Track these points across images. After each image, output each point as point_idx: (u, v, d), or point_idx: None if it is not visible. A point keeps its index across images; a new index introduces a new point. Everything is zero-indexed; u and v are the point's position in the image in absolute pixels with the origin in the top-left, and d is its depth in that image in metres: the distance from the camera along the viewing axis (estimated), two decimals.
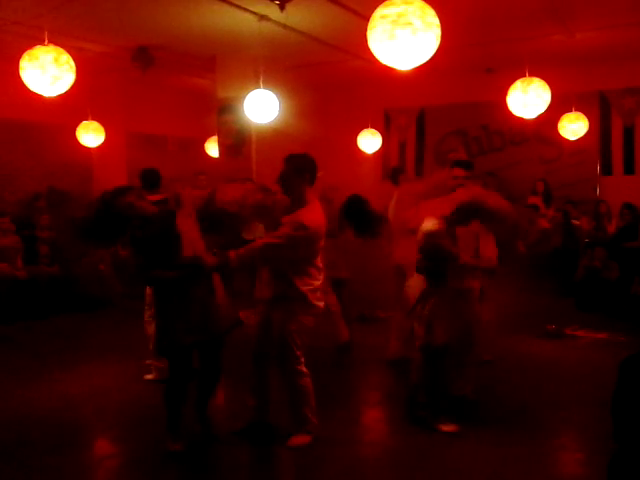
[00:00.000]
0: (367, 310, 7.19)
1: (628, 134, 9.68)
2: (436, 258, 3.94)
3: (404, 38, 3.45)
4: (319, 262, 3.93)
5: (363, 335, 6.39)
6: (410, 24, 3.41)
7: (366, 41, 3.70)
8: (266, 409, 4.13)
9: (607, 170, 9.85)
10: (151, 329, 4.92)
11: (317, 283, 3.91)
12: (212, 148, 10.25)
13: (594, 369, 5.30)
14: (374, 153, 10.52)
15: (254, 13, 6.76)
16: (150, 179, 5.14)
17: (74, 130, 8.81)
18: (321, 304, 3.95)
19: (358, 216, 4.54)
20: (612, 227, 8.86)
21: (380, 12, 3.56)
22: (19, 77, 5.27)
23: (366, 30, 3.69)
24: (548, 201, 9.40)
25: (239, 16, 6.83)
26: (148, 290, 4.97)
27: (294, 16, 6.62)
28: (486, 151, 10.68)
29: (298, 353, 3.87)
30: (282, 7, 6.01)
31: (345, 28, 7.05)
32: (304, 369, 3.93)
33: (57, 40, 5.43)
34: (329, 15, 6.84)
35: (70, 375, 5.39)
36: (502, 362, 5.43)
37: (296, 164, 3.90)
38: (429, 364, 4.10)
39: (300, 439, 3.91)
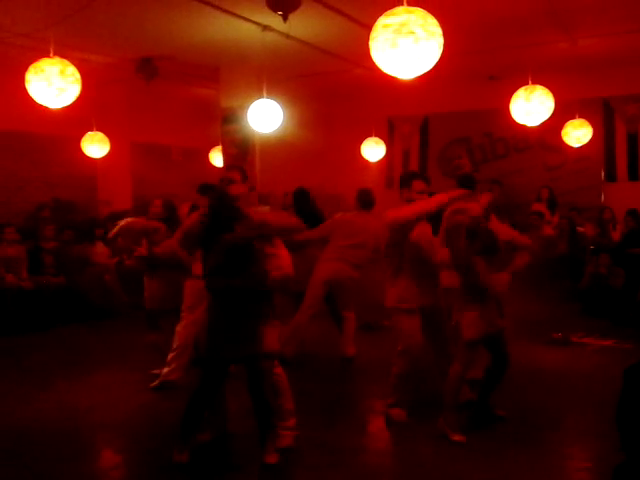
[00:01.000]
0: (372, 319, 7.17)
1: (632, 140, 9.68)
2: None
3: (406, 47, 3.47)
4: None
5: (368, 344, 6.38)
6: (412, 33, 3.43)
7: (369, 50, 3.72)
8: (224, 420, 4.19)
9: (611, 176, 9.84)
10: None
11: None
12: (216, 158, 10.29)
13: (600, 376, 5.26)
14: (378, 161, 10.55)
15: (257, 23, 6.80)
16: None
17: (79, 141, 8.86)
18: None
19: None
20: (617, 234, 8.83)
21: (382, 21, 3.57)
22: (25, 89, 5.31)
23: (368, 39, 3.71)
24: (553, 208, 9.38)
25: (242, 26, 6.87)
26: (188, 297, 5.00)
27: (297, 26, 6.65)
28: (490, 159, 10.68)
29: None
30: (285, 17, 6.03)
31: (348, 37, 7.08)
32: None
33: (62, 52, 5.47)
34: (332, 25, 6.88)
35: (75, 385, 5.39)
36: (507, 370, 5.40)
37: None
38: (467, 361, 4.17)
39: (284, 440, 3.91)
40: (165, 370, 5.14)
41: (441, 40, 3.57)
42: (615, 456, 2.48)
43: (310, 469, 3.77)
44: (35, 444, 4.14)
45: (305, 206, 6.64)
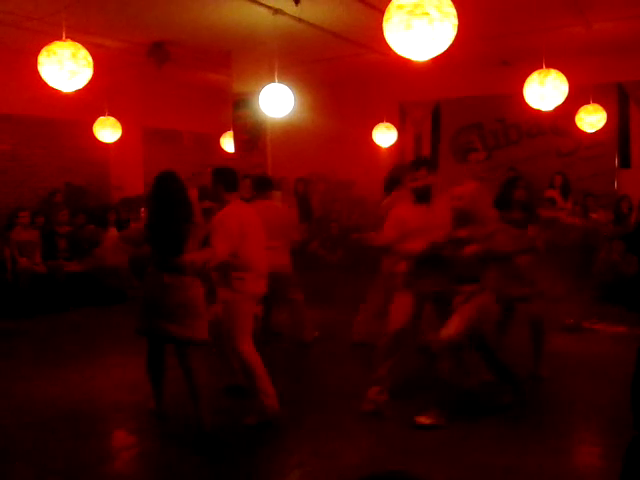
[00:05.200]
0: None
1: None
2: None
3: (421, 28, 3.43)
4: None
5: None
6: (427, 14, 3.39)
7: (382, 34, 3.68)
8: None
9: (625, 163, 9.75)
10: None
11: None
12: (228, 143, 10.29)
13: (612, 362, 5.24)
14: (389, 147, 10.50)
15: (269, 7, 6.75)
16: None
17: (91, 126, 8.88)
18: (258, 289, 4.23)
19: None
20: (631, 221, 8.75)
21: (397, 2, 3.54)
22: (37, 74, 5.32)
23: (381, 23, 3.67)
24: (566, 194, 9.30)
25: (254, 10, 6.83)
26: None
27: (309, 10, 6.62)
28: (502, 145, 10.61)
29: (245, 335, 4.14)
30: (297, 1, 6.01)
31: (360, 21, 7.03)
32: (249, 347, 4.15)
33: (74, 36, 5.47)
34: (344, 8, 6.83)
35: (89, 367, 5.44)
36: (519, 356, 5.39)
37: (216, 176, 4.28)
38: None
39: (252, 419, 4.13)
40: None
41: (455, 21, 3.53)
42: (627, 440, 2.47)
43: (319, 451, 3.80)
44: (49, 424, 4.19)
45: None
